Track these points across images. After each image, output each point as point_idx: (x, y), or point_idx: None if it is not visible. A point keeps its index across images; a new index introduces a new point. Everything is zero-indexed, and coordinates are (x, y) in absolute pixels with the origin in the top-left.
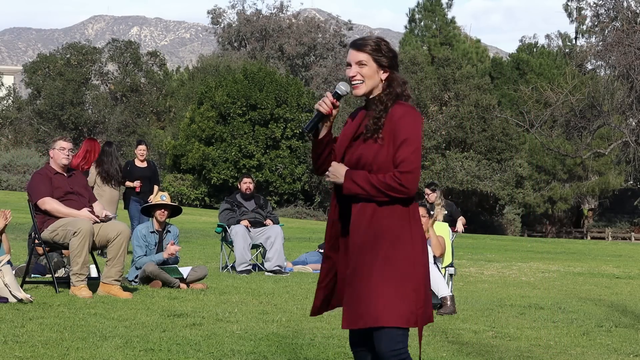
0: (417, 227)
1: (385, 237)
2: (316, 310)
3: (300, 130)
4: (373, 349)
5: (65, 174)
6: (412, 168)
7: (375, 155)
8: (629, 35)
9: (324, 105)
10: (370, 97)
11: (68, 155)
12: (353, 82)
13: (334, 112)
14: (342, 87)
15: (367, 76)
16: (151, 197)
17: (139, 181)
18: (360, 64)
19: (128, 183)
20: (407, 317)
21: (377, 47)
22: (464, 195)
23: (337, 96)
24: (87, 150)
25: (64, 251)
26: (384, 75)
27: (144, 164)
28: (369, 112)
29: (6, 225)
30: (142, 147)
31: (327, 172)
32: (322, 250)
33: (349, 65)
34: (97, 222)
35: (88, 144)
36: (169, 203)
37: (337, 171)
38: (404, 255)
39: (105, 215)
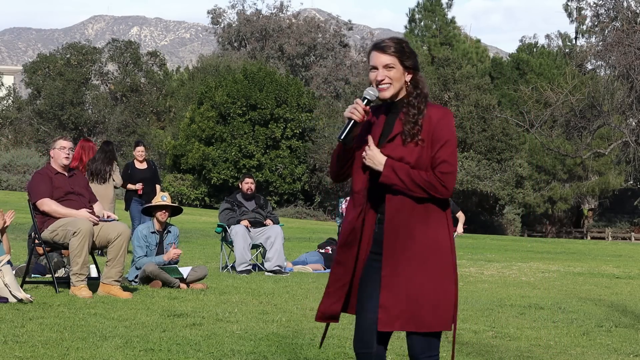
0: (451, 234)
1: (424, 241)
2: (321, 316)
3: (300, 130)
4: (383, 352)
5: (66, 174)
6: (453, 169)
7: (417, 158)
8: (629, 35)
9: (357, 112)
10: (397, 99)
11: (69, 155)
12: (380, 86)
13: (365, 118)
14: (370, 92)
15: (395, 79)
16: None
17: (140, 184)
18: (387, 67)
19: (130, 186)
20: (449, 322)
21: (402, 49)
22: (464, 195)
23: (367, 102)
24: (81, 150)
25: (63, 251)
26: (408, 77)
27: (144, 165)
28: (403, 115)
29: (7, 225)
30: (140, 148)
31: (363, 154)
32: (322, 250)
33: (375, 68)
34: (97, 224)
35: (82, 144)
36: (170, 204)
37: (376, 157)
38: (445, 260)
39: (108, 216)
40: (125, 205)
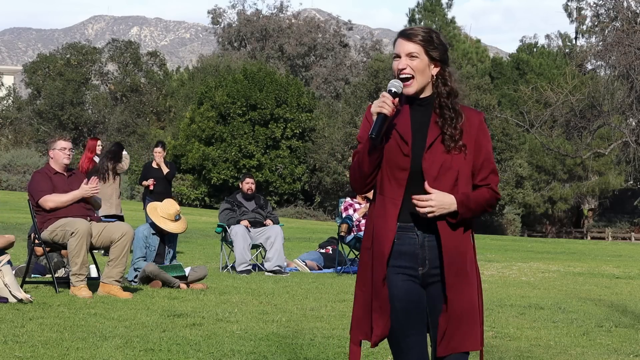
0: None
1: (469, 260)
2: (379, 340)
3: (300, 130)
4: None
5: (65, 174)
6: (498, 178)
7: (462, 166)
8: (629, 35)
9: (387, 106)
10: (422, 95)
11: (69, 155)
12: (402, 76)
13: (394, 111)
14: (396, 84)
15: (417, 70)
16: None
17: (152, 179)
18: (411, 56)
19: (144, 182)
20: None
21: (429, 38)
22: None
23: (394, 95)
24: (88, 149)
25: (62, 251)
26: (434, 70)
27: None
28: (437, 116)
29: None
30: (157, 149)
31: (425, 210)
32: (322, 250)
33: (398, 57)
34: (94, 189)
35: (88, 143)
36: (175, 232)
37: (444, 202)
38: (479, 276)
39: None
40: (143, 204)
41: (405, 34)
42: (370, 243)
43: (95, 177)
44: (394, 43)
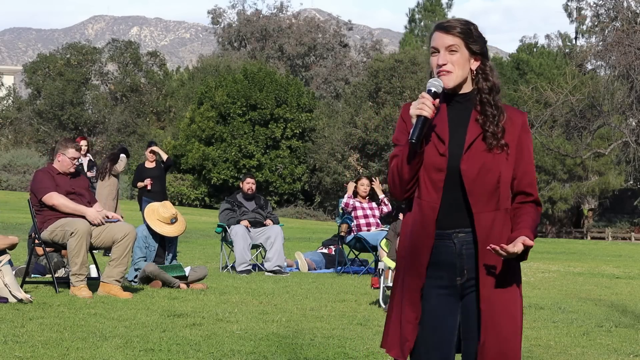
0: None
1: (510, 269)
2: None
3: (300, 130)
4: None
5: (68, 175)
6: (537, 187)
7: (504, 168)
8: (629, 35)
9: (427, 108)
10: (460, 91)
11: (75, 165)
12: (440, 72)
13: (435, 113)
14: (436, 83)
15: (458, 65)
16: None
17: (149, 179)
18: (450, 50)
19: (139, 184)
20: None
21: (468, 31)
22: None
23: (434, 95)
24: None
25: (62, 251)
26: (474, 64)
27: (153, 165)
28: (477, 114)
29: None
30: (149, 149)
31: (509, 253)
32: (325, 250)
33: (436, 51)
34: (102, 224)
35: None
36: (171, 235)
37: (519, 242)
38: (520, 286)
39: (112, 217)
40: (139, 205)
41: (443, 27)
42: (405, 252)
43: (115, 215)
44: (430, 37)
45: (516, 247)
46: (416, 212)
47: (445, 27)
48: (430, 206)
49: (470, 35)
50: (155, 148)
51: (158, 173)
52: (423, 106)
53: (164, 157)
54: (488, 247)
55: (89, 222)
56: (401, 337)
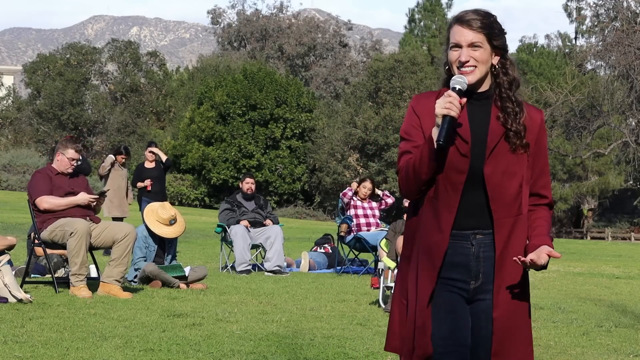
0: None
1: (525, 275)
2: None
3: (299, 130)
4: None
5: (67, 175)
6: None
7: (526, 171)
8: (628, 35)
9: (454, 107)
10: (480, 88)
11: (74, 166)
12: (463, 69)
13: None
14: (460, 81)
15: (481, 61)
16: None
17: (149, 180)
18: (473, 46)
19: (139, 184)
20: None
21: (490, 25)
22: None
23: (460, 93)
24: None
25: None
26: (495, 59)
27: (152, 165)
28: (498, 111)
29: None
30: (148, 150)
31: (536, 262)
32: (321, 250)
33: (457, 46)
34: (94, 200)
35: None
36: (169, 237)
37: (545, 254)
38: (528, 285)
39: (102, 194)
40: (139, 206)
41: (465, 21)
42: (411, 252)
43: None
44: (448, 30)
45: (541, 258)
46: (429, 213)
47: (467, 22)
48: (448, 208)
49: (493, 29)
50: (154, 149)
51: (157, 173)
52: (451, 105)
53: (163, 158)
54: (515, 259)
55: (86, 217)
56: (408, 341)
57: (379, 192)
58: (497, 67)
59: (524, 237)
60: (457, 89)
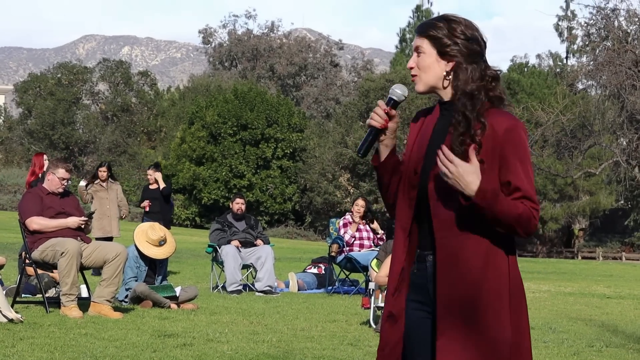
0: (518, 289)
1: (492, 294)
2: None
3: (291, 150)
4: None
5: (58, 195)
6: (537, 206)
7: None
8: (620, 54)
9: (377, 117)
10: (446, 99)
11: (64, 186)
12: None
13: (391, 124)
14: (397, 91)
15: (422, 68)
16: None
17: (147, 201)
18: (417, 51)
19: (141, 205)
20: None
21: (434, 27)
22: None
23: (392, 103)
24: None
25: (52, 275)
26: (448, 67)
27: (155, 186)
28: (453, 122)
29: None
30: (149, 171)
31: (442, 169)
32: (315, 270)
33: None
34: (84, 222)
35: (35, 159)
36: (157, 257)
37: (466, 177)
38: (496, 325)
39: (90, 215)
40: None
41: (417, 27)
42: (389, 275)
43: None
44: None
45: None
46: (398, 238)
47: (418, 27)
48: (402, 226)
49: (437, 34)
50: (154, 173)
51: (158, 195)
52: (374, 116)
53: (161, 185)
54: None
55: (77, 237)
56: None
57: (377, 228)
58: (452, 74)
59: (478, 261)
60: (391, 99)
